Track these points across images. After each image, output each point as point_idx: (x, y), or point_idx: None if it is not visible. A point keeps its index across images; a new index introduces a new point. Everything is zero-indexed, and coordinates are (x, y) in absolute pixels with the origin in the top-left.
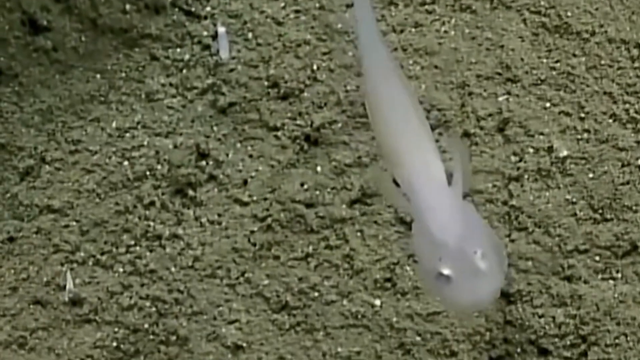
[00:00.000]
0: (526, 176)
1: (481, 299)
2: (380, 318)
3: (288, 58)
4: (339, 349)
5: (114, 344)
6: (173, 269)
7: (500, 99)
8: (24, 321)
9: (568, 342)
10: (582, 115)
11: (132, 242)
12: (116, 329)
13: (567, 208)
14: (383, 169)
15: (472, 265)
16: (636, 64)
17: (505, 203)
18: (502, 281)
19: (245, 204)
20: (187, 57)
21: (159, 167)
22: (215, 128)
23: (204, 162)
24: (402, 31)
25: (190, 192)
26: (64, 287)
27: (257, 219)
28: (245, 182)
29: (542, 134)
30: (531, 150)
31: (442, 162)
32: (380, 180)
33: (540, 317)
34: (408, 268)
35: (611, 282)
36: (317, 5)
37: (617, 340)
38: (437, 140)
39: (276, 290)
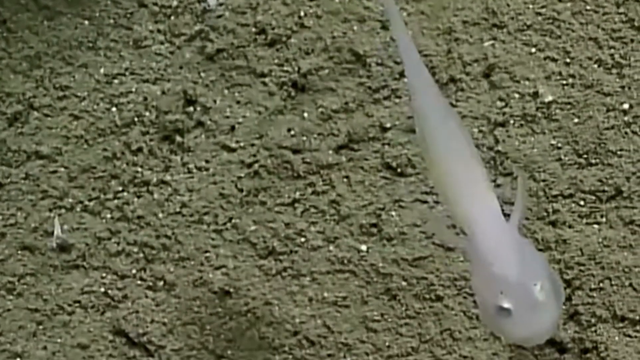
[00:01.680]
0: (511, 121)
1: (541, 330)
2: (367, 263)
3: (275, 5)
4: (325, 294)
5: (102, 289)
6: (160, 215)
7: (486, 44)
8: (12, 267)
9: None
10: (568, 60)
11: (120, 188)
12: (104, 275)
13: (552, 153)
14: (434, 209)
15: (532, 298)
16: (621, 10)
17: (490, 148)
18: (560, 312)
19: (233, 150)
20: (175, 3)
21: (147, 113)
22: (202, 74)
23: (191, 109)
24: None
25: (178, 139)
26: (52, 233)
27: (244, 165)
28: (232, 129)
29: (527, 79)
30: (517, 95)
31: (496, 196)
32: (432, 220)
33: None
34: (394, 214)
35: (596, 226)
36: None
37: (601, 285)
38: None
39: (263, 236)
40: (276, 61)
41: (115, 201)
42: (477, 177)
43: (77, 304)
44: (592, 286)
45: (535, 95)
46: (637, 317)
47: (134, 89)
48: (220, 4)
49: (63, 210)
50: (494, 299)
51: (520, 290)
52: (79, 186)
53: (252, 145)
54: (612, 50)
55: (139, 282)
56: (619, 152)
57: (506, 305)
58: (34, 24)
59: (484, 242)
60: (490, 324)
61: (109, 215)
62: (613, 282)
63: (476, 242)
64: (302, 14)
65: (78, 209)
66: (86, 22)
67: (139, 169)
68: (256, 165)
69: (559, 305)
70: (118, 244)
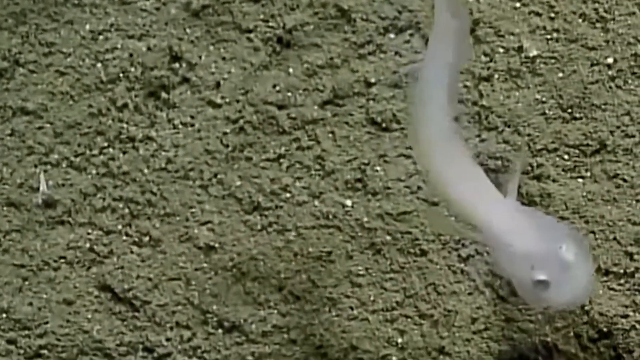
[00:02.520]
0: (496, 76)
1: (580, 291)
2: (351, 218)
3: None
4: (310, 249)
5: (87, 245)
6: (146, 171)
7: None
8: None
9: None
10: (552, 15)
11: (106, 144)
12: (89, 231)
13: (536, 107)
14: (435, 208)
15: (562, 261)
16: None
17: (475, 103)
18: (593, 266)
19: (218, 106)
20: None
21: (132, 69)
22: (188, 30)
23: (177, 65)
24: None
25: (164, 95)
26: (38, 189)
27: (229, 120)
28: (217, 85)
29: (512, 34)
30: (501, 50)
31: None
32: (437, 219)
33: None
34: (379, 168)
35: (580, 180)
36: None
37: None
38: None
39: (248, 192)
40: (261, 17)
41: (101, 157)
42: (471, 172)
43: (62, 260)
44: None
45: (520, 49)
46: (622, 271)
47: (119, 45)
48: None
49: (48, 167)
50: (528, 276)
51: (549, 258)
52: (64, 142)
53: (238, 101)
54: (597, 5)
55: (124, 237)
56: (603, 106)
57: (541, 277)
58: None
59: (495, 226)
60: (535, 302)
61: (94, 171)
62: (597, 236)
63: (488, 230)
64: None
65: (64, 165)
66: None
67: (125, 125)
68: (241, 121)
69: (590, 258)
70: (103, 199)
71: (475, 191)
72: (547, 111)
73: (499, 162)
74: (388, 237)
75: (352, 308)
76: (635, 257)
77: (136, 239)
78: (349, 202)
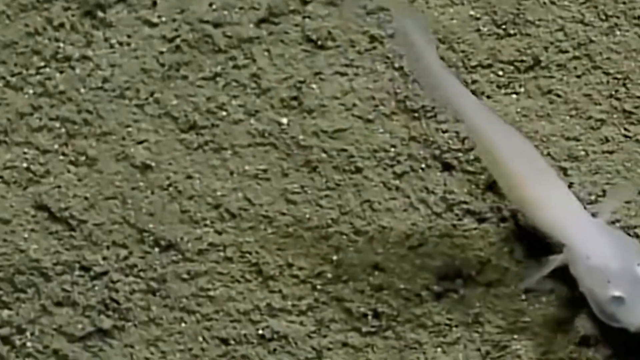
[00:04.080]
0: None
1: None
2: (287, 136)
3: None
4: (246, 167)
5: (24, 165)
6: (82, 90)
7: None
8: None
9: (471, 157)
10: None
11: (42, 64)
12: (26, 150)
13: (470, 24)
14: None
15: (638, 279)
16: None
17: None
18: None
19: (154, 24)
20: None
21: None
22: None
23: None
24: None
25: (100, 14)
26: None
27: (165, 39)
28: (154, 3)
29: None
30: None
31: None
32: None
33: (444, 132)
34: (314, 86)
35: (514, 96)
36: None
37: None
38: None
39: (184, 110)
40: None
41: (37, 77)
42: (557, 185)
43: None
44: None
45: None
46: None
47: None
48: None
49: None
50: (604, 292)
51: (626, 274)
52: (0, 62)
53: (174, 19)
54: None
55: (61, 157)
56: (537, 22)
57: (617, 293)
58: None
59: (579, 240)
60: (610, 319)
61: (31, 91)
62: None
63: (572, 244)
64: None
65: (0, 85)
66: None
67: (61, 45)
68: (178, 40)
69: None
70: (40, 119)
71: (562, 203)
72: (481, 27)
73: None
74: (323, 155)
75: (287, 225)
76: (569, 172)
77: (73, 158)
78: (284, 120)
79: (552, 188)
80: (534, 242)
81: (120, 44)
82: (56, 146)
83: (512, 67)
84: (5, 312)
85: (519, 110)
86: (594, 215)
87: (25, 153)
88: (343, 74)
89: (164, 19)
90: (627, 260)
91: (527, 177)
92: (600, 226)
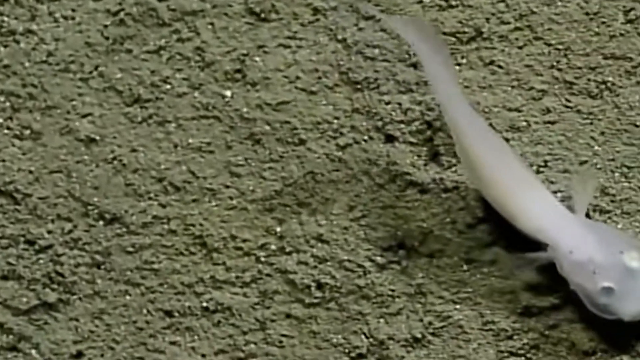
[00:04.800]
0: None
1: None
2: (231, 109)
3: None
4: (190, 140)
5: None
6: (27, 64)
7: None
8: None
9: (414, 128)
10: None
11: None
12: None
13: None
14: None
15: (625, 267)
16: None
17: None
18: None
19: None
20: None
21: None
22: None
23: None
24: None
25: None
26: None
27: (110, 13)
28: None
29: None
30: None
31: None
32: (509, 261)
33: (387, 103)
34: (258, 59)
35: (456, 67)
36: None
37: None
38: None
39: (129, 84)
40: None
41: None
42: (535, 186)
43: None
44: None
45: None
46: None
47: None
48: None
49: None
50: (592, 285)
51: (612, 264)
52: None
53: None
54: None
55: (5, 131)
56: None
57: (606, 284)
58: None
59: (560, 237)
60: (604, 312)
61: None
62: None
63: (554, 242)
64: None
65: None
66: None
67: (5, 19)
68: (122, 14)
69: None
70: None
71: (540, 203)
72: None
73: (377, 51)
74: (267, 127)
75: (231, 198)
76: (511, 142)
77: (17, 132)
78: (228, 93)
79: (531, 192)
80: (476, 214)
81: (65, 17)
82: (0, 120)
83: (454, 39)
84: None
85: (461, 81)
86: (572, 211)
87: None
88: (286, 47)
89: None
90: (610, 250)
91: (507, 184)
92: (580, 221)
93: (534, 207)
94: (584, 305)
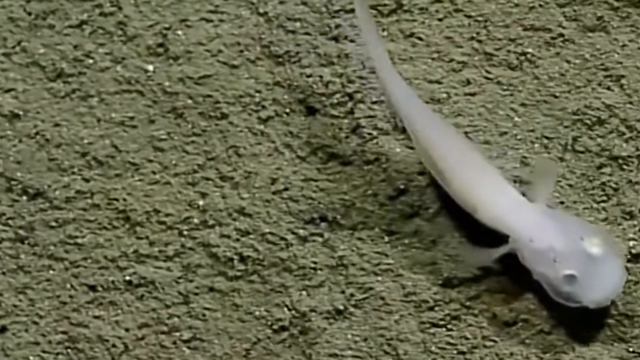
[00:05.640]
0: None
1: (611, 286)
2: (154, 83)
3: None
4: (113, 115)
5: None
6: None
7: None
8: None
9: (335, 100)
10: None
11: None
12: None
13: None
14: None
15: (586, 254)
16: None
17: None
18: (623, 258)
19: None
20: None
21: None
22: None
23: None
24: None
25: None
26: None
27: None
28: None
29: None
30: None
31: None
32: (466, 254)
33: (308, 76)
34: (180, 33)
35: None
36: None
37: (382, 98)
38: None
39: (52, 59)
40: None
41: None
42: (493, 177)
43: None
44: (374, 99)
45: None
46: None
47: None
48: None
49: None
50: (554, 273)
51: (572, 251)
52: None
53: None
54: None
55: None
56: None
57: (567, 271)
58: None
59: (520, 227)
60: (567, 300)
61: None
62: None
63: (514, 232)
64: None
65: None
66: None
67: None
68: None
69: (618, 252)
70: None
71: (498, 194)
72: None
73: (298, 24)
74: (189, 101)
75: (154, 172)
76: None
77: None
78: (150, 67)
79: (489, 182)
80: (397, 185)
81: None
82: None
83: (375, 11)
84: None
85: None
86: (531, 200)
87: None
88: (208, 20)
89: None
90: (570, 237)
91: (465, 176)
92: (539, 209)
93: (492, 197)
94: (505, 276)
